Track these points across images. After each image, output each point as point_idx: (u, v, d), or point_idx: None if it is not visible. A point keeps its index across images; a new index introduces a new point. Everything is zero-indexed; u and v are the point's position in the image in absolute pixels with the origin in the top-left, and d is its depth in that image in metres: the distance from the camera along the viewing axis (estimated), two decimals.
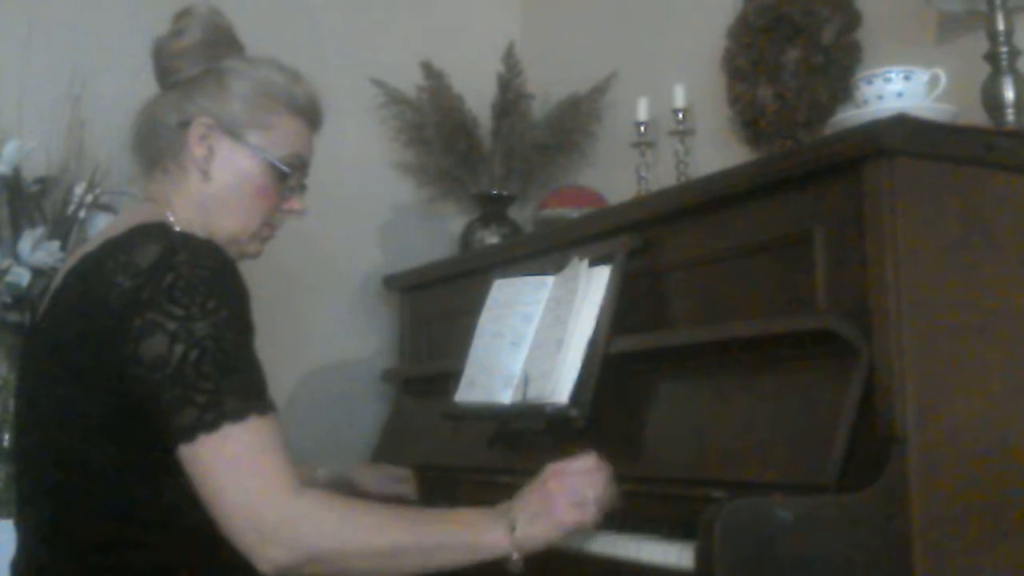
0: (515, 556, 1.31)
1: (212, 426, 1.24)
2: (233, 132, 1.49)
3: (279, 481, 1.25)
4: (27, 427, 1.43)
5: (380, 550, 1.28)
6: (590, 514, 1.36)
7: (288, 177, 1.53)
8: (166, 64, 1.54)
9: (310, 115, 1.57)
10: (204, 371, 1.25)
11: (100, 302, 1.30)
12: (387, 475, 2.00)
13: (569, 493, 1.36)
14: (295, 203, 1.57)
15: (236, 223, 1.50)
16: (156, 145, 1.51)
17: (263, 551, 1.23)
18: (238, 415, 1.25)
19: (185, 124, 1.48)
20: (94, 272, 1.35)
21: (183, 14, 1.56)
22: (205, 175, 1.48)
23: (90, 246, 1.43)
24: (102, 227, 2.06)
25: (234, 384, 1.27)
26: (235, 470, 1.24)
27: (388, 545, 1.28)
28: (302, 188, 1.58)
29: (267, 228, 1.55)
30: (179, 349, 1.26)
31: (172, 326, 1.26)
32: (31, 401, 1.42)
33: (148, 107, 1.55)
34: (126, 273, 1.30)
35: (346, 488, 1.97)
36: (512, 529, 1.32)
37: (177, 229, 1.40)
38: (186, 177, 1.49)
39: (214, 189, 1.48)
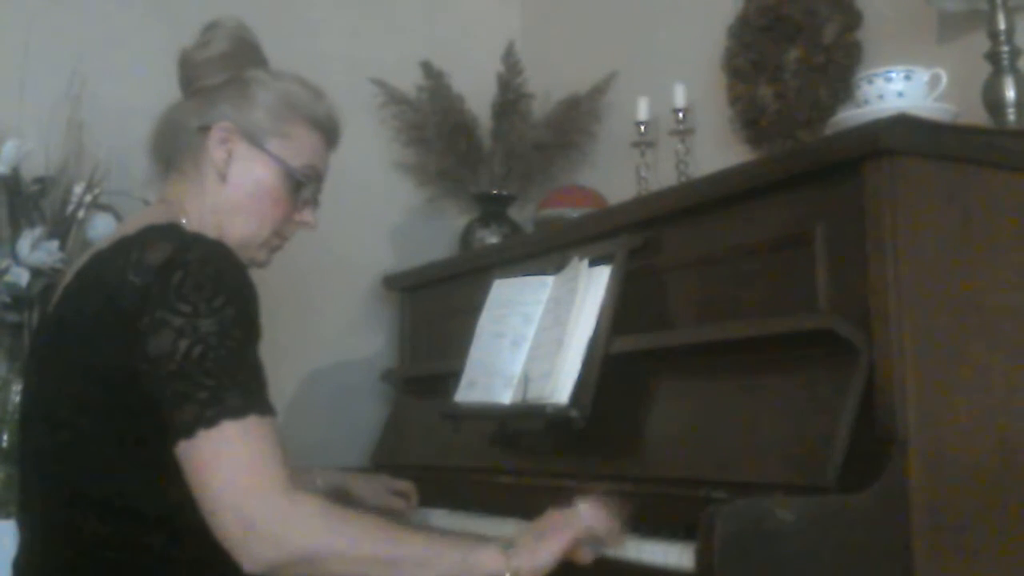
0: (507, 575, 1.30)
1: (211, 422, 1.24)
2: (253, 138, 1.51)
3: (272, 480, 1.24)
4: (32, 424, 1.43)
5: (365, 558, 1.26)
6: (585, 528, 1.36)
7: (303, 187, 1.55)
8: (190, 73, 1.56)
9: (328, 132, 1.59)
10: (207, 367, 1.26)
11: (111, 299, 1.31)
12: (387, 487, 1.99)
13: (563, 514, 1.37)
14: (307, 216, 1.58)
15: (248, 228, 1.51)
16: (175, 147, 1.53)
17: (249, 547, 1.22)
18: (238, 413, 1.25)
19: (206, 128, 1.50)
20: (106, 270, 1.36)
21: (211, 27, 1.58)
22: (222, 178, 1.50)
23: (102, 245, 1.44)
24: (102, 228, 2.07)
25: (236, 382, 1.27)
26: (230, 466, 1.24)
27: (374, 554, 1.26)
28: (315, 202, 1.59)
29: (277, 238, 1.56)
30: (183, 345, 1.26)
31: (178, 322, 1.27)
32: (38, 398, 1.42)
33: (170, 111, 1.56)
34: (137, 271, 1.31)
35: (343, 498, 1.96)
36: (505, 550, 1.30)
37: (188, 229, 1.41)
38: (203, 180, 1.50)
39: (230, 193, 1.50)
